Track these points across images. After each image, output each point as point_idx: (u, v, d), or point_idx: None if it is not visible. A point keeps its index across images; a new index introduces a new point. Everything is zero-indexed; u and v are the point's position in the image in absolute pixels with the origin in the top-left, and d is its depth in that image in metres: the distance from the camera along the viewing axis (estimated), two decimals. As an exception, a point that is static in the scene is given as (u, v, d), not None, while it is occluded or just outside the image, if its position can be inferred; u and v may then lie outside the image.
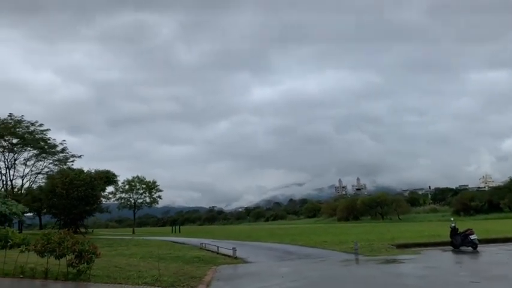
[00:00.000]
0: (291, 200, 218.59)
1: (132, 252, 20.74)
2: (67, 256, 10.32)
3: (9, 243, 10.48)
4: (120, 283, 10.21)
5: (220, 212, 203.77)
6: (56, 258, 10.33)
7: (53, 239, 10.51)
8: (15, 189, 49.23)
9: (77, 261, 10.32)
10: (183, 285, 10.38)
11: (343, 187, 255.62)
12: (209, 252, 21.29)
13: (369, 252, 18.20)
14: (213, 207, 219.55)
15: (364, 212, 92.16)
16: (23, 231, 57.28)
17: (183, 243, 29.98)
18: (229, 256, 18.48)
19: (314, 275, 12.13)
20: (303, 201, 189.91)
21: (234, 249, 18.45)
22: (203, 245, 24.84)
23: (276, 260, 17.12)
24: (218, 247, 21.17)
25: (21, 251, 10.41)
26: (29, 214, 66.53)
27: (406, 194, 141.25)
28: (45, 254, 10.36)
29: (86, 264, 10.35)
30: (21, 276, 10.31)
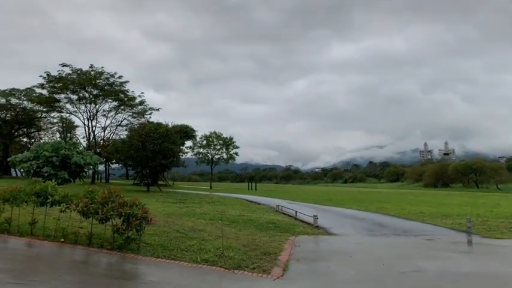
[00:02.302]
0: (370, 163, 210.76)
1: (203, 211, 19.04)
2: (112, 220, 8.37)
3: (48, 200, 8.72)
4: (174, 258, 8.00)
5: (297, 171, 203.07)
6: (99, 222, 8.44)
7: (97, 198, 8.57)
8: (99, 140, 51.47)
9: (123, 228, 8.31)
10: (253, 267, 7.86)
11: (428, 151, 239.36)
12: (286, 217, 18.86)
13: (486, 232, 14.31)
14: (289, 166, 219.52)
15: (455, 178, 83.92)
16: (110, 181, 61.07)
17: (258, 203, 28.06)
18: (308, 224, 15.84)
19: (429, 267, 8.82)
20: (384, 164, 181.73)
21: (315, 217, 15.70)
22: (279, 207, 22.54)
23: (366, 234, 14.02)
24: (296, 212, 18.64)
25: (61, 210, 8.64)
26: (116, 165, 70.67)
27: (503, 161, 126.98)
28: (89, 215, 8.52)
29: (134, 231, 8.31)
30: (62, 240, 8.59)
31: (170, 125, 39.91)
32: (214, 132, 59.50)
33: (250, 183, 69.87)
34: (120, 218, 8.34)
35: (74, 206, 8.52)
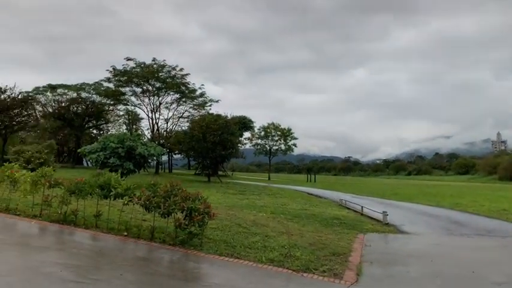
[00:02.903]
0: (436, 154, 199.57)
1: (264, 204, 18.58)
2: (174, 214, 8.06)
3: (112, 193, 8.61)
4: (237, 257, 7.51)
5: (356, 162, 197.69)
6: (161, 216, 8.17)
7: (159, 192, 8.30)
8: (162, 132, 53.24)
9: (185, 222, 7.97)
10: (323, 270, 7.14)
11: (502, 141, 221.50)
12: (351, 212, 17.84)
13: None
14: (348, 157, 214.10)
15: (535, 171, 76.62)
16: (173, 171, 63.09)
17: (320, 197, 27.15)
18: (377, 220, 14.76)
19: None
20: (451, 155, 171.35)
21: (384, 213, 14.57)
22: (343, 201, 21.51)
23: (443, 234, 12.70)
24: (362, 207, 17.55)
25: (124, 204, 8.49)
26: (178, 156, 72.86)
27: None
28: (151, 208, 8.28)
29: (197, 226, 7.94)
30: (125, 234, 8.44)
31: (229, 117, 39.99)
32: (272, 123, 59.02)
33: (309, 175, 68.70)
34: (182, 212, 8.01)
35: (137, 200, 8.32)
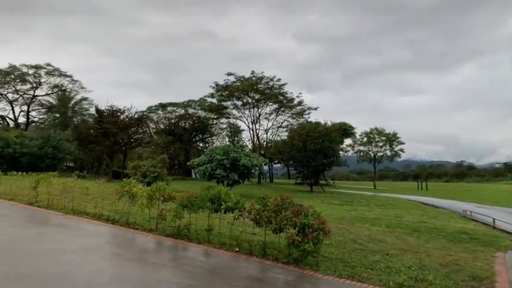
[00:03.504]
0: None
1: (375, 216, 17.22)
2: (286, 230, 7.53)
3: (222, 207, 8.42)
4: (360, 280, 6.65)
5: (471, 167, 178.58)
6: (272, 232, 7.69)
7: (269, 206, 7.86)
8: (262, 142, 54.06)
9: (299, 239, 7.38)
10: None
11: None
12: (479, 225, 15.57)
13: None
14: (461, 161, 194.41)
15: None
16: (274, 181, 63.75)
17: (436, 207, 24.53)
18: (515, 235, 12.56)
19: None
20: None
21: (527, 227, 12.33)
22: (467, 212, 18.99)
23: None
24: (494, 219, 15.19)
25: (235, 218, 8.21)
26: (278, 165, 73.33)
27: None
28: (261, 223, 7.88)
29: (311, 243, 7.29)
30: (237, 250, 8.14)
31: (329, 124, 38.83)
32: (376, 128, 55.96)
33: (419, 183, 63.58)
34: (294, 228, 7.44)
35: (247, 214, 7.99)
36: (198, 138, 62.10)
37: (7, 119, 60.71)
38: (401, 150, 56.13)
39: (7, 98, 58.91)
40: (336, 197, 28.84)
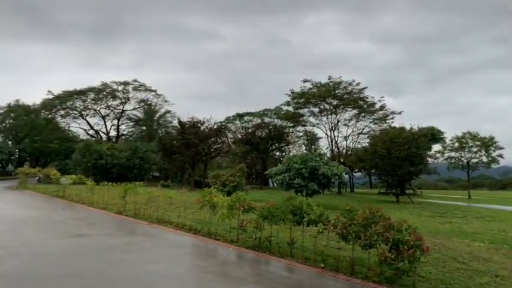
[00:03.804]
0: None
1: (475, 230, 15.40)
2: (377, 246, 6.80)
3: (305, 220, 7.92)
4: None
5: None
6: (361, 248, 7.00)
7: (357, 219, 7.19)
8: (341, 150, 52.42)
9: (392, 257, 6.60)
10: None
11: None
12: None
13: None
14: None
15: None
16: (354, 190, 61.33)
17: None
18: None
19: None
20: None
21: None
22: None
23: None
24: None
25: (319, 231, 7.66)
26: (358, 174, 70.64)
27: None
28: (349, 238, 7.24)
29: (406, 262, 6.48)
30: (322, 266, 7.57)
31: (416, 128, 36.33)
32: (469, 133, 51.07)
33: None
34: (386, 244, 6.69)
35: (332, 228, 7.40)
36: (274, 147, 62.19)
37: (100, 132, 66.51)
38: (500, 155, 50.56)
39: (100, 113, 64.58)
40: (426, 207, 26.61)
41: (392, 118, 50.05)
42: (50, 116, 65.21)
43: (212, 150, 49.07)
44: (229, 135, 61.55)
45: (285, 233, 9.65)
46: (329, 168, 22.95)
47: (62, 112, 63.70)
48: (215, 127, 47.79)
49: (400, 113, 50.47)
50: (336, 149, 50.69)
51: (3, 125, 72.86)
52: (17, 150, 68.65)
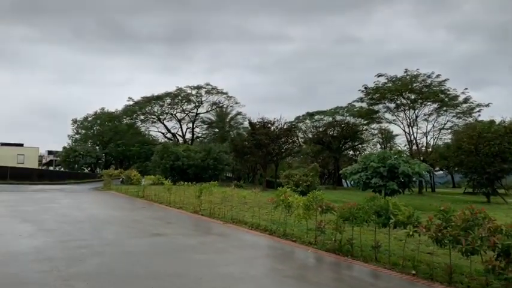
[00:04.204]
0: None
1: None
2: (482, 253, 5.88)
3: (391, 221, 7.16)
4: None
5: None
6: (462, 254, 6.10)
7: (454, 220, 6.30)
8: (421, 147, 49.09)
9: (501, 266, 5.64)
10: None
11: None
12: None
13: None
14: None
15: None
16: (436, 190, 57.24)
17: None
18: None
19: None
20: None
21: None
22: None
23: None
24: None
25: (409, 235, 6.86)
26: (439, 172, 65.94)
27: None
28: (444, 242, 6.37)
29: (520, 272, 5.49)
30: (414, 272, 6.77)
31: (507, 121, 32.73)
32: None
33: None
34: (493, 250, 5.74)
35: (424, 230, 6.56)
36: (347, 146, 60.25)
37: (177, 135, 69.61)
38: None
39: (176, 117, 67.62)
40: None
41: (478, 111, 45.68)
42: (131, 121, 69.73)
43: (283, 150, 48.80)
44: (300, 134, 60.87)
45: (367, 236, 8.93)
46: (410, 166, 21.39)
47: (142, 117, 67.80)
48: (285, 127, 47.47)
49: (487, 105, 45.81)
50: (415, 146, 47.57)
51: (92, 131, 79.46)
52: (103, 154, 74.43)
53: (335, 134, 54.26)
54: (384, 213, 7.44)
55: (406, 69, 45.34)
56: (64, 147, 75.84)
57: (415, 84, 44.24)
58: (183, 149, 40.08)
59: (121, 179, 34.90)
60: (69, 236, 8.78)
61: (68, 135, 79.53)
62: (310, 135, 59.81)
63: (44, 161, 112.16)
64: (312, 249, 8.50)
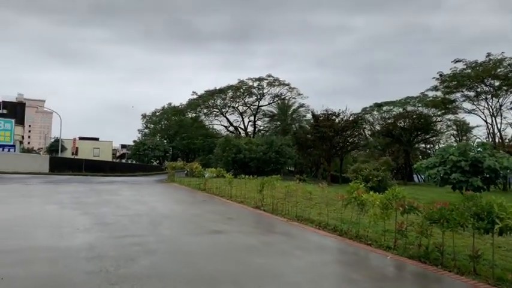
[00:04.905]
0: None
1: None
2: None
3: (496, 226, 5.73)
4: None
5: None
6: None
7: None
8: (506, 140, 44.26)
9: None
10: None
11: None
12: None
13: None
14: None
15: None
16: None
17: None
18: None
19: None
20: None
21: None
22: None
23: None
24: None
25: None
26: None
27: None
28: None
29: None
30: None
31: None
32: None
33: None
34: None
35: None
36: (419, 139, 56.24)
37: (239, 129, 69.79)
38: None
39: (238, 110, 67.73)
40: None
41: None
42: (195, 114, 71.12)
43: (348, 143, 46.64)
44: (366, 126, 57.94)
45: (460, 241, 7.50)
46: (497, 160, 18.88)
47: (205, 110, 68.80)
48: (351, 119, 45.24)
49: None
50: (500, 139, 42.88)
51: (159, 125, 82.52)
52: (170, 148, 76.96)
53: (406, 126, 50.69)
54: (487, 217, 6.00)
55: (488, 53, 40.77)
56: (134, 141, 79.63)
57: (499, 70, 39.63)
58: (245, 142, 39.68)
59: (185, 171, 35.36)
60: (124, 231, 8.34)
61: (138, 130, 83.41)
62: (378, 128, 56.65)
63: (117, 154, 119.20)
64: (392, 255, 7.24)
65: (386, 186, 21.67)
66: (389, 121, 53.29)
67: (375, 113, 58.31)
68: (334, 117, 44.51)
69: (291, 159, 41.33)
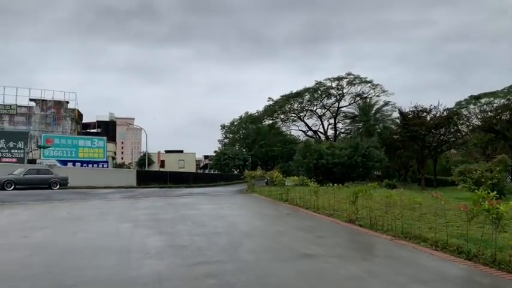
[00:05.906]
0: None
1: None
2: None
3: None
4: None
5: None
6: None
7: None
8: None
9: None
10: None
11: None
12: None
13: None
14: None
15: None
16: None
17: None
18: None
19: None
20: None
21: None
22: None
23: None
24: None
25: None
26: None
27: None
28: None
29: None
30: None
31: None
32: None
33: None
34: None
35: None
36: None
37: (318, 133, 67.39)
38: None
39: (316, 113, 65.47)
40: None
41: None
42: (271, 121, 70.30)
43: (443, 141, 42.09)
44: (462, 122, 52.03)
45: None
46: None
47: (282, 116, 67.55)
48: (445, 114, 40.76)
49: None
50: None
51: (238, 135, 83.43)
52: (249, 156, 77.17)
53: (511, 120, 44.43)
54: None
55: None
56: (215, 151, 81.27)
57: None
58: (327, 146, 37.48)
59: (266, 180, 34.26)
60: (199, 256, 7.10)
61: (218, 140, 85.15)
62: (477, 123, 50.49)
63: (201, 164, 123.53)
64: None
65: (504, 190, 18.23)
66: (490, 114, 47.16)
67: (472, 106, 52.19)
68: (425, 114, 40.53)
69: (380, 163, 38.07)
